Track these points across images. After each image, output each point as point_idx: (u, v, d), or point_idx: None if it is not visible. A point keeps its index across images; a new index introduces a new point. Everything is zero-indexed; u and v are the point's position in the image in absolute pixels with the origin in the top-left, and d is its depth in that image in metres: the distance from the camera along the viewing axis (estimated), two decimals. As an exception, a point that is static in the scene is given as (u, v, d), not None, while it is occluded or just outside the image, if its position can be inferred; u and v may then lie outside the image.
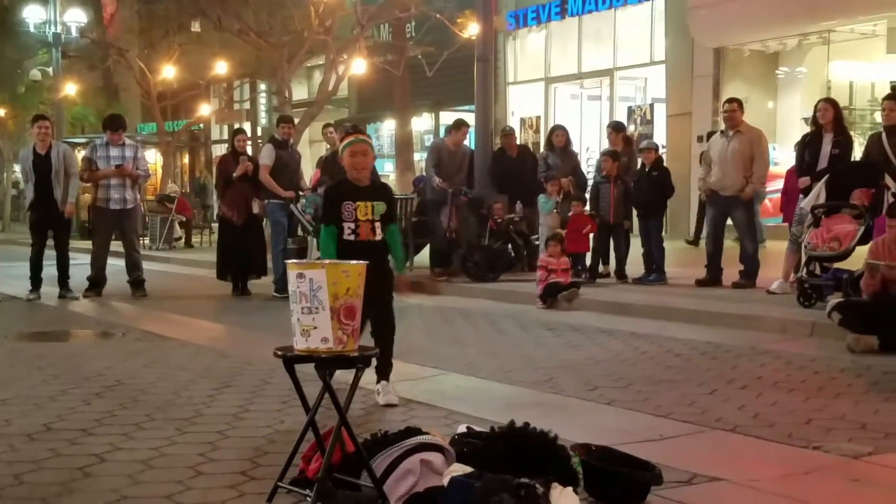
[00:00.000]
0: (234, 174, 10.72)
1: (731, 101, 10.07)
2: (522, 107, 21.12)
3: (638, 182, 10.56)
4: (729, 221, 10.00)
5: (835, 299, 7.37)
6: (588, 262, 10.89)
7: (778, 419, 4.83)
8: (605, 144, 12.55)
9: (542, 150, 12.55)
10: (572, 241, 10.41)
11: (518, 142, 13.86)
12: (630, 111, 18.67)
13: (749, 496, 3.66)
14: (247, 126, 24.53)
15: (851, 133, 9.66)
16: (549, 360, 6.63)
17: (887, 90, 10.97)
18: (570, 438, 3.94)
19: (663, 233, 10.97)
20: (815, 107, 9.22)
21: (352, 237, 5.02)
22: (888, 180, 8.38)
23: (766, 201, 13.87)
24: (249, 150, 12.99)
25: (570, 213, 10.65)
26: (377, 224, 5.07)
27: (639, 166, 10.93)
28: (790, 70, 17.47)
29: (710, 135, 11.96)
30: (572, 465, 3.69)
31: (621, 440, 4.35)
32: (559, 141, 11.60)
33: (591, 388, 5.64)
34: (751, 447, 4.39)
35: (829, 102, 9.27)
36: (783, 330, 7.64)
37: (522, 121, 20.68)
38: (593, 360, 6.61)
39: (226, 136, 26.52)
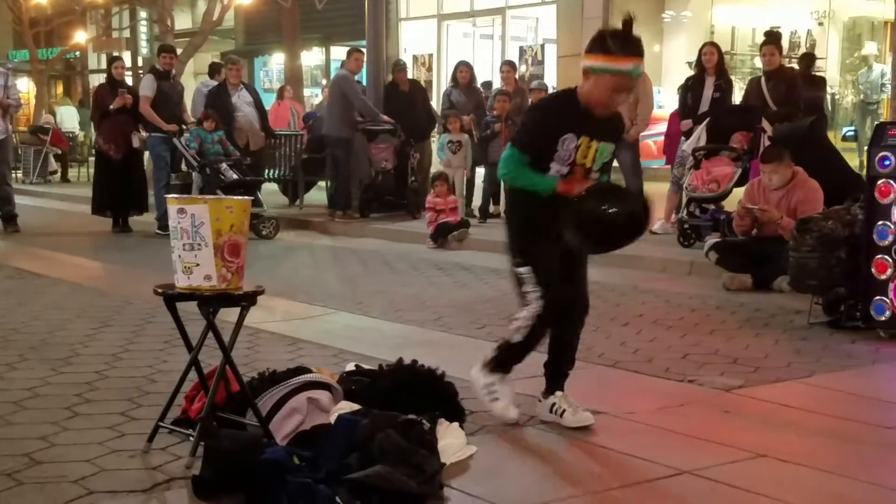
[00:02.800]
0: (112, 107, 10.31)
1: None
2: (415, 44, 20.90)
3: (526, 122, 10.61)
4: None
5: (712, 239, 7.63)
6: None
7: (656, 355, 5.00)
8: (498, 84, 12.55)
9: (446, 86, 12.42)
10: None
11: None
12: (521, 51, 18.71)
13: (627, 427, 3.78)
14: (126, 56, 23.56)
15: (732, 77, 9.93)
16: (438, 299, 6.68)
17: (768, 36, 11.27)
18: (458, 375, 3.98)
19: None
20: (700, 50, 9.43)
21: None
22: (765, 124, 8.67)
23: (651, 143, 14.18)
24: (129, 81, 12.52)
25: None
26: (593, 177, 3.64)
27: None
28: (676, 14, 17.77)
29: None
30: (459, 402, 3.74)
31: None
32: (463, 78, 11.50)
33: (480, 327, 5.71)
34: (630, 381, 4.53)
35: (714, 46, 9.50)
36: (664, 269, 7.88)
37: (415, 58, 20.49)
38: (482, 298, 6.68)
39: (104, 66, 25.45)
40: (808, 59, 10.65)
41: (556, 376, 3.84)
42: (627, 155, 10.01)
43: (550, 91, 12.53)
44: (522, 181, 3.62)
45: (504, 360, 3.76)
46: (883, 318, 5.34)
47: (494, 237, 9.57)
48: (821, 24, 16.32)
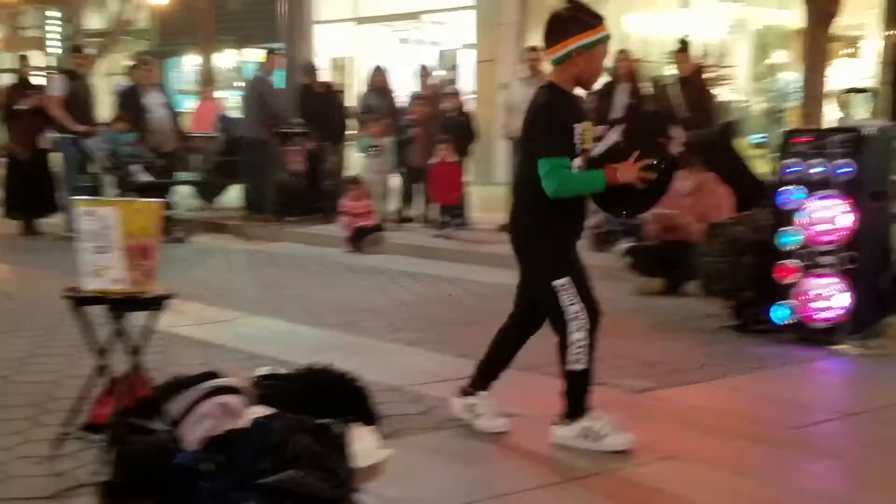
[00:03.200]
0: (16, 107, 10.05)
1: (532, 48, 10.31)
2: (332, 47, 20.80)
3: (442, 127, 10.65)
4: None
5: (625, 244, 7.77)
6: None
7: (570, 357, 5.05)
8: (408, 89, 12.56)
9: (364, 90, 12.37)
10: (439, 192, 9.69)
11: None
12: (439, 55, 18.78)
13: (541, 430, 3.82)
14: (38, 56, 22.91)
15: (644, 84, 10.12)
16: (355, 303, 6.65)
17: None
18: (372, 379, 3.98)
19: (467, 177, 11.14)
20: (615, 57, 9.60)
21: None
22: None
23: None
24: (40, 81, 12.20)
25: (434, 160, 9.82)
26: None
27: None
28: (588, 20, 18.03)
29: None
30: (372, 405, 3.73)
31: (424, 380, 4.45)
32: (379, 82, 11.48)
33: (396, 331, 5.71)
34: (544, 385, 4.53)
35: (627, 53, 9.68)
36: (578, 273, 7.97)
37: (333, 61, 20.38)
38: (398, 302, 6.68)
39: (13, 66, 24.65)
40: (698, 68, 10.76)
41: (487, 376, 3.88)
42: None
43: (465, 97, 12.60)
44: (576, 187, 3.57)
45: (579, 396, 3.66)
46: (786, 322, 5.51)
47: (410, 241, 9.60)
48: (732, 32, 16.74)
